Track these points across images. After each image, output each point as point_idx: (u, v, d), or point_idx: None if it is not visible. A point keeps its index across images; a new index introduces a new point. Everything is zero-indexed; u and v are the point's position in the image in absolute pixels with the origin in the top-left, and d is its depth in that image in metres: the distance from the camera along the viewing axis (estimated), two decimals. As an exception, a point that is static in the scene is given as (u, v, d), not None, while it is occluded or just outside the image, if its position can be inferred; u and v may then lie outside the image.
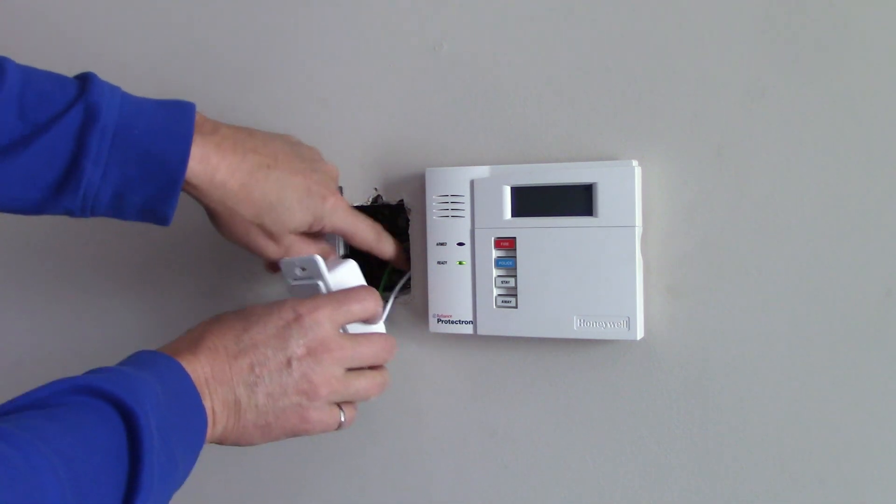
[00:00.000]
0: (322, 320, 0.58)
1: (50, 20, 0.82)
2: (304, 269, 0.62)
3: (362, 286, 0.62)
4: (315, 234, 0.66)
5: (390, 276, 0.72)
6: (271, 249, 0.63)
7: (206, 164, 0.58)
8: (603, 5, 0.63)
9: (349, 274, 0.63)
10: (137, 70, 0.79)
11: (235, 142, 0.60)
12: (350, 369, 0.59)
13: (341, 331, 0.60)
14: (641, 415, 0.64)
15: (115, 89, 0.57)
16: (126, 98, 0.57)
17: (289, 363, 0.56)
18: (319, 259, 0.61)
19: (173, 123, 0.57)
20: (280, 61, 0.74)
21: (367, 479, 0.74)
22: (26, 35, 0.83)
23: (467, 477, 0.70)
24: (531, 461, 0.68)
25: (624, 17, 0.62)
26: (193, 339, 0.55)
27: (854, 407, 0.59)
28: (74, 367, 0.51)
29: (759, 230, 0.60)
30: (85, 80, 0.57)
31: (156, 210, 0.58)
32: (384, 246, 0.68)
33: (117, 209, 0.58)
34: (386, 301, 0.69)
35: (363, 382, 0.60)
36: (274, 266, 0.69)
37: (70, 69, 0.78)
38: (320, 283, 0.61)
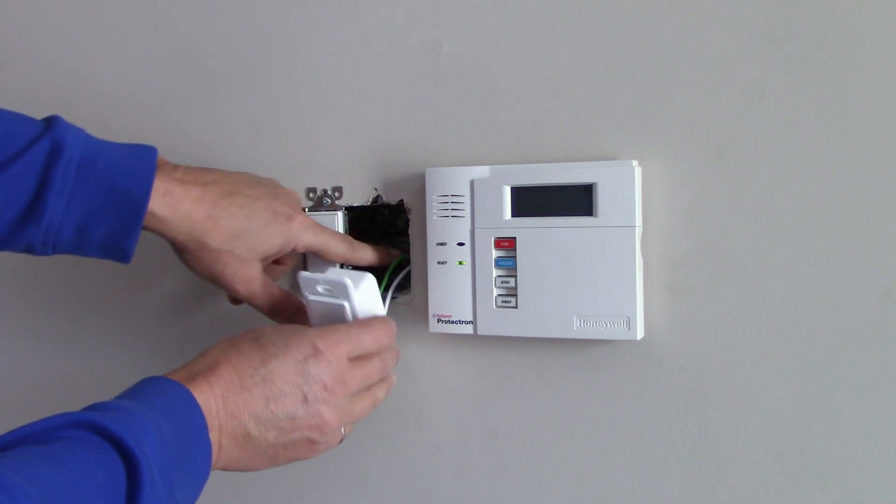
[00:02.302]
0: (341, 354, 0.58)
1: (51, 19, 0.82)
2: (327, 288, 0.62)
3: (377, 319, 0.63)
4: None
5: (391, 276, 0.72)
6: (240, 277, 0.63)
7: (170, 196, 0.58)
8: (603, 5, 0.63)
9: (370, 292, 0.63)
10: (138, 70, 0.79)
11: (196, 175, 0.61)
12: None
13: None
14: (641, 415, 0.64)
15: (78, 129, 0.58)
16: (90, 137, 0.58)
17: (305, 399, 0.56)
18: (349, 283, 0.61)
19: (136, 159, 0.58)
20: (280, 61, 0.74)
21: (367, 478, 0.74)
22: (28, 33, 0.83)
23: (467, 477, 0.70)
24: (531, 461, 0.68)
25: (624, 17, 0.62)
26: (208, 366, 0.54)
27: (854, 407, 0.59)
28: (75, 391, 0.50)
29: (759, 230, 0.60)
30: (50, 121, 0.58)
31: (117, 245, 0.59)
32: (360, 254, 0.69)
33: (79, 244, 0.58)
34: (385, 300, 0.69)
35: (362, 406, 0.61)
36: (236, 300, 0.69)
37: (73, 70, 0.78)
38: (346, 304, 0.61)
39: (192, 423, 0.51)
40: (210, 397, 0.52)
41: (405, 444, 0.72)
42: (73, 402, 0.49)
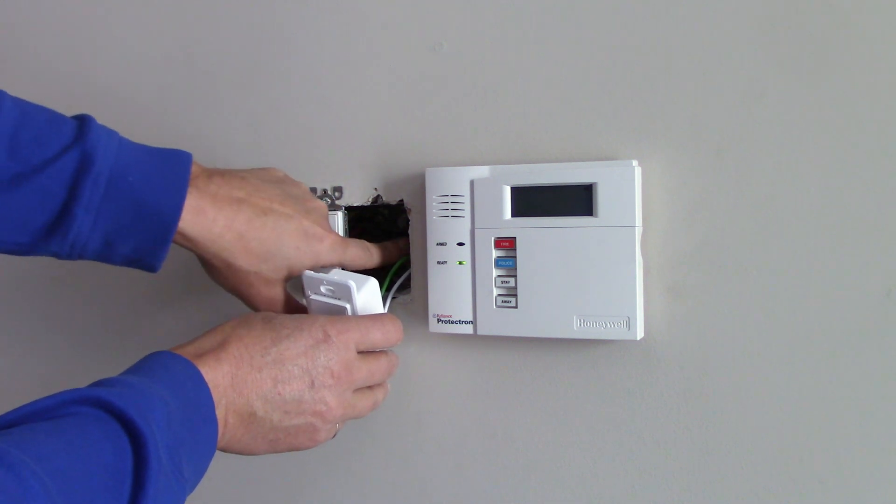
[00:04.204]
0: (350, 343, 0.58)
1: (51, 18, 0.82)
2: (330, 289, 0.62)
3: (387, 315, 0.63)
4: None
5: (393, 278, 0.72)
6: (264, 297, 0.63)
7: (202, 216, 0.57)
8: (603, 5, 0.63)
9: (372, 295, 0.64)
10: (138, 70, 0.79)
11: (231, 187, 0.60)
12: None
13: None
14: (641, 415, 0.64)
15: (112, 134, 0.56)
16: (123, 144, 0.57)
17: (312, 384, 0.56)
18: (353, 286, 0.61)
19: (168, 174, 0.56)
20: (280, 61, 0.74)
21: (366, 479, 0.74)
22: (28, 33, 0.83)
23: (467, 477, 0.70)
24: (531, 461, 0.68)
25: (624, 18, 0.62)
26: (219, 343, 0.54)
27: (854, 407, 0.59)
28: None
29: (759, 230, 0.60)
30: (82, 123, 0.56)
31: (144, 260, 0.58)
32: (375, 258, 0.70)
33: (105, 256, 0.58)
34: (385, 300, 0.69)
35: (364, 403, 0.61)
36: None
37: (73, 70, 0.78)
38: (348, 307, 0.62)
39: (199, 399, 0.50)
40: (218, 374, 0.52)
41: (405, 444, 0.72)
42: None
